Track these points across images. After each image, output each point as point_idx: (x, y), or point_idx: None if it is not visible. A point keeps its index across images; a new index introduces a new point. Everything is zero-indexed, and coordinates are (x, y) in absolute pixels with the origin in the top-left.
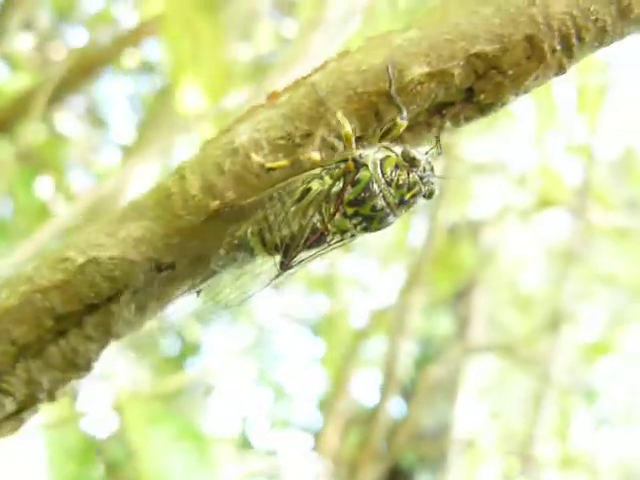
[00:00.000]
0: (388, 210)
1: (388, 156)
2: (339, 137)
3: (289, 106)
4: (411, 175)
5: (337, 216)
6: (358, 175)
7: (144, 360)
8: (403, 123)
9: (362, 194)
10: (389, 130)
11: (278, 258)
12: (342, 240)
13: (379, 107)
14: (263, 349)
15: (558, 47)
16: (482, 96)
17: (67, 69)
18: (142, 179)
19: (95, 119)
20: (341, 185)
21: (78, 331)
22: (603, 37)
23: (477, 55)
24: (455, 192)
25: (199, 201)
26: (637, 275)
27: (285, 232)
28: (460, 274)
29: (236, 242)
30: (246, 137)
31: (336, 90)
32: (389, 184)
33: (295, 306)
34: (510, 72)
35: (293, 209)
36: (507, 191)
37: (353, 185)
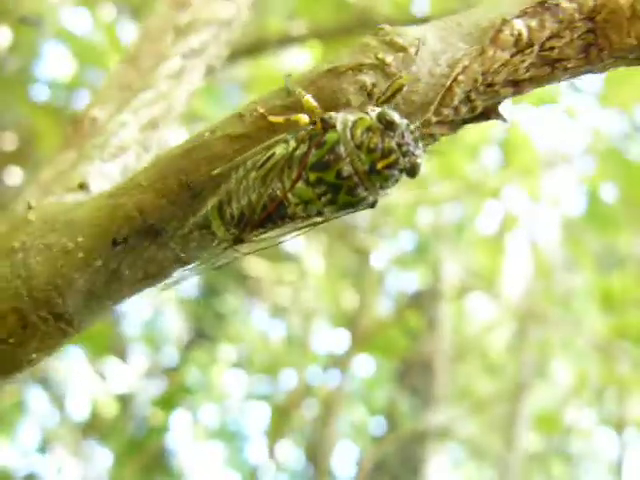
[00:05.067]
0: (357, 179)
1: (361, 118)
2: None
3: None
4: (386, 140)
5: (299, 184)
6: (324, 137)
7: (107, 445)
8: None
9: (326, 156)
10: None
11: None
12: (308, 218)
13: None
14: (230, 430)
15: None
16: None
17: None
18: None
19: None
20: (306, 148)
21: None
22: None
23: None
24: (417, 259)
25: None
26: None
27: (244, 202)
28: (415, 344)
29: (197, 220)
30: None
31: None
32: (359, 147)
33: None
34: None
35: (253, 176)
36: (468, 256)
37: (318, 147)
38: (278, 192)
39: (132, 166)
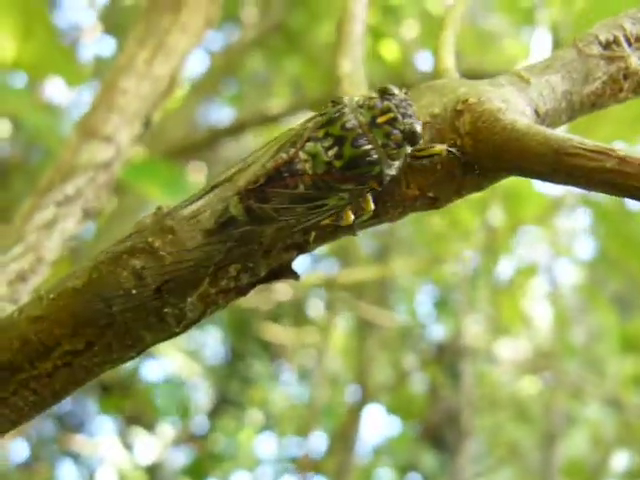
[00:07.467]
0: (360, 131)
1: (364, 95)
2: None
3: None
4: (385, 102)
5: (310, 142)
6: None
7: None
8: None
9: (334, 115)
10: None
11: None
12: (317, 183)
13: None
14: None
15: None
16: None
17: None
18: None
19: None
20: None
21: None
22: None
23: None
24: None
25: None
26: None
27: (256, 169)
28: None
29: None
30: None
31: None
32: (361, 107)
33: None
34: None
35: (270, 154)
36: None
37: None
38: (291, 152)
39: None
